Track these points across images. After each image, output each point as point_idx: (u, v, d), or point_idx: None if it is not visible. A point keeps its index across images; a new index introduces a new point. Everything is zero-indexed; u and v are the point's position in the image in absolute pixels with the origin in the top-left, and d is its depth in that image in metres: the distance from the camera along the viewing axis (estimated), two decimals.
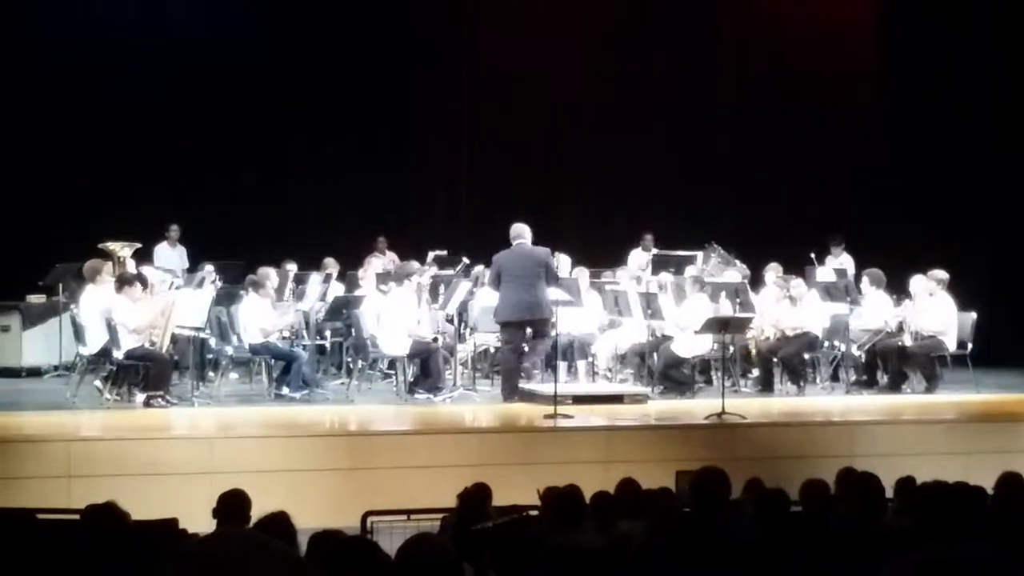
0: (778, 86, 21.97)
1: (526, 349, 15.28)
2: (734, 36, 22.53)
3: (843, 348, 16.67)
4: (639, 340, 16.36)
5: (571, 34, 21.95)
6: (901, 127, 21.96)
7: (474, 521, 7.94)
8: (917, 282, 16.59)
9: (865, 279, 17.13)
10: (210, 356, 15.89)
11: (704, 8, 22.60)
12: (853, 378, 16.77)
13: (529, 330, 15.27)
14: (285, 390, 14.98)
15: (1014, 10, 21.43)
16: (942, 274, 16.45)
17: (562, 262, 17.00)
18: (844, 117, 21.98)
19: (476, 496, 8.44)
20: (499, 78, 21.66)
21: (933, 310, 16.35)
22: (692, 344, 15.74)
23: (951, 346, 16.36)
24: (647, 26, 22.33)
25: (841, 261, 18.94)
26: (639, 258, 19.20)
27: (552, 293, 14.99)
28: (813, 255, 18.55)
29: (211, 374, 15.91)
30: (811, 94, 21.94)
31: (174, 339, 14.68)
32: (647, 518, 7.50)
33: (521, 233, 15.12)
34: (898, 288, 16.90)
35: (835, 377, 16.97)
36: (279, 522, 6.56)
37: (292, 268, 17.29)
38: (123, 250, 16.73)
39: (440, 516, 8.56)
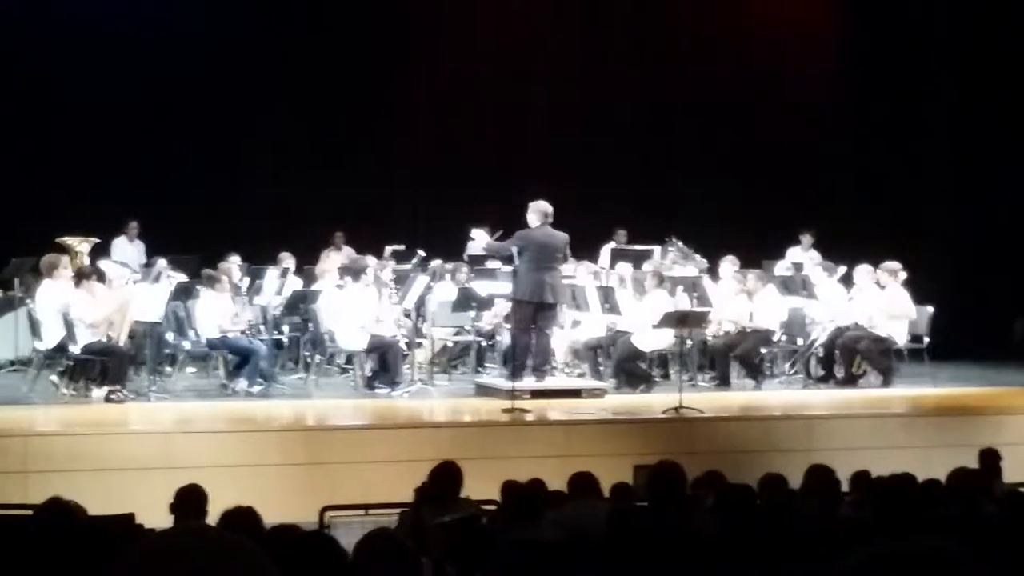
0: (737, 83, 22.00)
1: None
2: (694, 34, 22.56)
3: (800, 342, 16.73)
4: (596, 335, 16.36)
5: (533, 32, 21.94)
6: (860, 124, 22.06)
7: (444, 497, 7.92)
8: (861, 272, 16.67)
9: (818, 268, 17.23)
10: (167, 351, 15.81)
11: (665, 6, 22.63)
12: (811, 372, 16.83)
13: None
14: (240, 383, 14.92)
15: (971, 9, 21.57)
16: (895, 265, 16.50)
17: None
18: (803, 114, 22.05)
19: (446, 474, 8.32)
20: (460, 74, 21.62)
21: (877, 300, 16.40)
22: (652, 338, 15.74)
23: (901, 339, 16.43)
24: (609, 25, 22.35)
25: (811, 255, 18.97)
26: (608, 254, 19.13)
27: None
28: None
29: (168, 368, 15.83)
30: (770, 92, 21.99)
31: (131, 333, 14.62)
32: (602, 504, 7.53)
33: (546, 212, 14.83)
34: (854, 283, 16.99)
35: (792, 372, 17.02)
36: (245, 517, 6.52)
37: (235, 260, 17.12)
38: (80, 245, 16.65)
39: (398, 511, 8.54)
